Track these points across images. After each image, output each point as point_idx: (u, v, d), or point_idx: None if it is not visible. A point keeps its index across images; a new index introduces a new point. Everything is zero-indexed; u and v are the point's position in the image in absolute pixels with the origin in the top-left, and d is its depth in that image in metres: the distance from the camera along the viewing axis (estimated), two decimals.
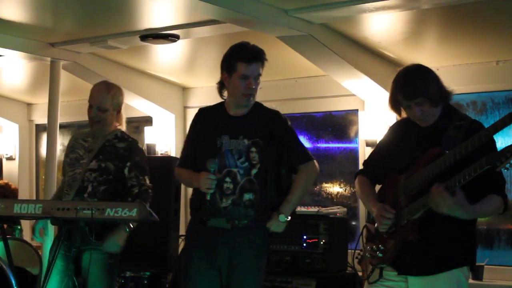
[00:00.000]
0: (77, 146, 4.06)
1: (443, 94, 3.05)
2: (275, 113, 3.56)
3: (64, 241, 3.89)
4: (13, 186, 6.95)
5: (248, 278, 3.42)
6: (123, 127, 4.13)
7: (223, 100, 3.58)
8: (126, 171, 3.94)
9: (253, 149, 3.42)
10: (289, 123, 3.57)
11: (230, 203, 3.40)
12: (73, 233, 3.76)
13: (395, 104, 3.11)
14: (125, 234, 3.86)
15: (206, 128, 3.53)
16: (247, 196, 3.40)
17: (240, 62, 3.40)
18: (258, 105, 3.55)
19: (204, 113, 3.62)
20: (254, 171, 3.41)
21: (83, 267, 3.87)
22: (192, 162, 3.56)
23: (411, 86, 3.02)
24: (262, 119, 3.49)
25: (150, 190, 3.95)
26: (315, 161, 3.58)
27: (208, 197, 3.37)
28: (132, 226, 3.86)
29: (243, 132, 3.44)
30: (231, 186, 3.40)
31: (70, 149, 4.09)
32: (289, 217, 3.49)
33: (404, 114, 3.16)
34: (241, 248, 3.40)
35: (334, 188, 6.14)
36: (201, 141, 3.53)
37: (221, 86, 3.54)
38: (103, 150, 3.97)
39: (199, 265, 3.43)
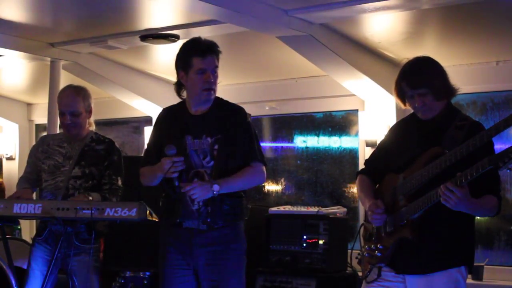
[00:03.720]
0: (53, 152, 4.01)
1: (447, 89, 3.07)
2: (238, 109, 3.49)
3: (47, 246, 3.89)
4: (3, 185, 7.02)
5: (231, 280, 3.37)
6: (93, 128, 4.12)
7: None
8: (103, 170, 3.96)
9: (216, 146, 3.36)
10: (250, 120, 3.51)
11: (202, 204, 3.35)
12: (59, 238, 3.74)
13: (399, 92, 3.11)
14: None
15: (170, 128, 3.48)
16: (217, 195, 3.32)
17: (195, 57, 3.35)
18: (219, 101, 3.48)
19: (167, 113, 3.57)
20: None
21: (69, 271, 3.85)
22: (155, 162, 3.45)
23: (417, 76, 3.04)
24: (223, 115, 3.42)
25: (120, 192, 3.96)
26: (264, 167, 3.46)
27: (176, 182, 3.30)
28: None
29: (205, 131, 3.38)
30: None
31: (44, 155, 4.02)
32: (217, 193, 3.29)
33: (407, 106, 3.16)
34: (218, 250, 3.35)
35: (334, 188, 6.14)
36: (166, 142, 3.40)
37: (178, 86, 3.49)
38: (84, 155, 3.96)
39: (174, 266, 3.40)
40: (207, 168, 3.36)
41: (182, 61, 3.41)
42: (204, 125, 3.40)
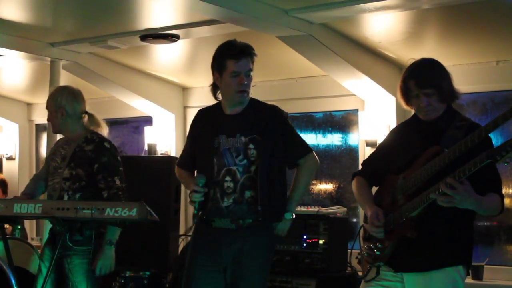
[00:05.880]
0: (57, 154, 3.99)
1: (452, 93, 3.08)
2: (272, 107, 3.54)
3: (50, 245, 3.90)
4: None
5: (254, 278, 3.41)
6: (101, 130, 4.00)
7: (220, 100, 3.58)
8: (95, 174, 3.84)
9: (251, 145, 3.40)
10: (286, 116, 3.54)
11: (231, 201, 3.38)
12: (57, 238, 3.75)
13: (404, 91, 3.11)
14: (113, 250, 3.83)
15: (204, 128, 3.53)
16: (248, 193, 3.38)
17: (229, 59, 3.39)
18: (254, 101, 3.53)
19: (202, 114, 3.62)
20: (253, 168, 3.39)
21: (66, 272, 3.84)
22: (191, 163, 3.59)
23: (426, 75, 3.05)
24: (258, 115, 3.47)
25: (120, 192, 3.82)
26: (313, 152, 3.57)
27: (195, 211, 3.41)
28: (114, 242, 3.82)
29: (240, 129, 3.43)
30: (232, 184, 3.39)
31: (51, 156, 4.03)
32: (294, 215, 3.51)
33: (409, 107, 3.16)
34: (246, 248, 3.38)
35: (334, 188, 6.14)
36: (199, 142, 3.53)
37: (214, 88, 3.53)
38: (74, 157, 3.89)
39: (203, 265, 3.43)
40: (239, 166, 3.40)
41: (217, 64, 3.45)
42: (238, 124, 3.45)
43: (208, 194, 3.41)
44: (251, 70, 3.43)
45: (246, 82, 3.40)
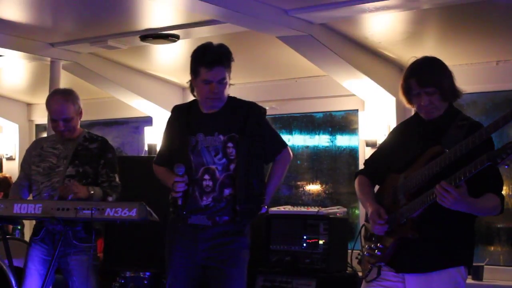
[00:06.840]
0: (47, 154, 4.01)
1: (454, 91, 3.08)
2: (250, 104, 3.52)
3: (44, 245, 3.90)
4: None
5: (233, 276, 3.40)
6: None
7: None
8: (99, 169, 3.97)
9: (230, 144, 3.39)
10: (264, 112, 3.53)
11: (210, 200, 3.39)
12: (55, 237, 3.78)
13: (406, 89, 3.11)
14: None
15: (180, 126, 3.51)
16: (228, 192, 3.39)
17: (202, 67, 3.35)
18: (231, 99, 3.51)
19: (178, 111, 3.61)
20: (232, 166, 3.39)
21: (68, 270, 3.85)
22: (167, 160, 3.55)
23: (427, 74, 3.05)
24: (236, 113, 3.45)
25: (119, 188, 3.98)
26: (288, 147, 3.61)
27: (180, 202, 3.37)
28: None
29: (218, 128, 3.41)
30: (210, 183, 3.39)
31: (38, 158, 4.03)
32: (266, 207, 3.53)
33: (411, 106, 3.16)
34: (223, 245, 3.38)
35: (334, 188, 6.14)
36: (176, 140, 3.51)
37: (191, 85, 3.52)
38: (78, 155, 3.97)
39: (182, 263, 3.43)
40: (218, 164, 3.39)
41: (192, 67, 3.43)
42: (216, 123, 3.43)
43: (186, 191, 3.39)
44: (224, 78, 3.37)
45: (216, 90, 3.36)
